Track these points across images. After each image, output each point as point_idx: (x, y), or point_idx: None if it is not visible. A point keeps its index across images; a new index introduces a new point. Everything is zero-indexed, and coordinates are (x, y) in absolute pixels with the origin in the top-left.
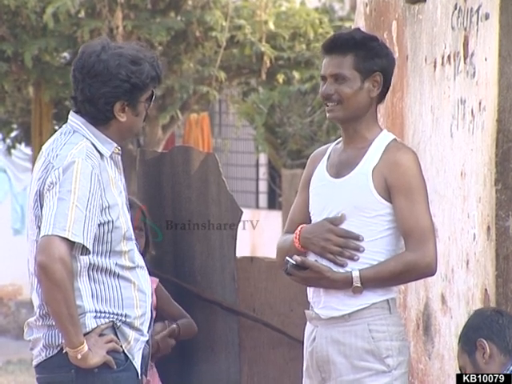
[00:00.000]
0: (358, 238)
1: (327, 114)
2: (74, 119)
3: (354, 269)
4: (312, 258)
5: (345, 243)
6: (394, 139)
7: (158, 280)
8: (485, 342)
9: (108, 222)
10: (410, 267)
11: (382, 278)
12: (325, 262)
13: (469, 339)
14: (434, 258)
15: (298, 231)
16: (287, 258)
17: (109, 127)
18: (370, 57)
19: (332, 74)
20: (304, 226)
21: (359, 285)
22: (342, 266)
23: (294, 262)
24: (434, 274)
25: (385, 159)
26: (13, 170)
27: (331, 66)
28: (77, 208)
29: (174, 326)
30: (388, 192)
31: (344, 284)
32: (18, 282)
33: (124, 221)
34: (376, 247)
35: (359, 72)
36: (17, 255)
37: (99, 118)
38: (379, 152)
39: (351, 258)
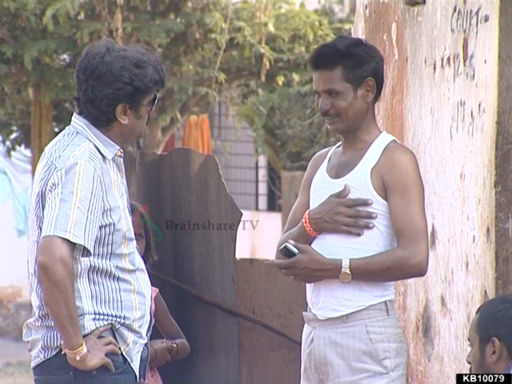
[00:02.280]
0: (366, 202)
1: (328, 126)
2: (77, 121)
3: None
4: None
5: (357, 212)
6: (394, 140)
7: (157, 290)
8: (498, 342)
9: (109, 224)
10: (400, 263)
11: (370, 270)
12: (341, 238)
13: (486, 328)
14: (424, 257)
15: (306, 216)
16: (282, 246)
17: (111, 129)
18: (357, 65)
19: (324, 89)
20: (310, 210)
21: (348, 271)
22: (358, 235)
23: (292, 248)
24: (423, 275)
25: (383, 159)
26: (13, 171)
27: (322, 81)
28: (78, 209)
29: (174, 345)
30: (385, 191)
31: (333, 269)
32: (18, 283)
33: (125, 223)
34: (377, 246)
35: (350, 83)
36: (17, 257)
37: (101, 119)
38: (378, 152)
39: (367, 227)
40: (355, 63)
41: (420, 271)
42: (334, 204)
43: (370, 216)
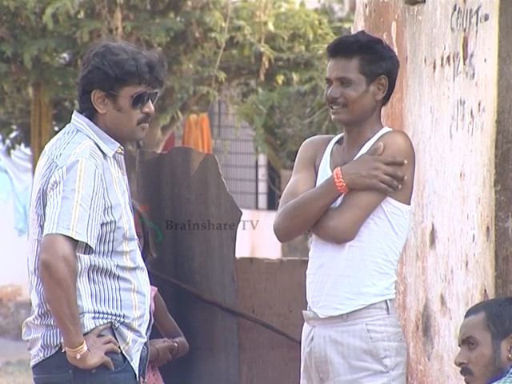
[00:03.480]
0: (402, 163)
1: (332, 116)
2: (77, 119)
3: None
4: None
5: (393, 172)
6: (391, 130)
7: (156, 289)
8: None
9: (110, 221)
10: (325, 216)
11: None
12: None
13: (502, 325)
14: (340, 222)
15: (338, 172)
16: None
17: (97, 122)
18: (375, 60)
19: (337, 77)
20: (341, 167)
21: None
22: (390, 193)
23: None
24: (338, 241)
25: (376, 142)
26: (14, 170)
27: (336, 69)
28: (81, 207)
29: (175, 344)
30: None
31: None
32: (18, 282)
33: (126, 221)
34: (378, 243)
35: (365, 75)
36: (17, 256)
37: (83, 108)
38: (374, 141)
39: (396, 188)
40: (373, 58)
41: (335, 235)
42: (371, 160)
43: (402, 178)
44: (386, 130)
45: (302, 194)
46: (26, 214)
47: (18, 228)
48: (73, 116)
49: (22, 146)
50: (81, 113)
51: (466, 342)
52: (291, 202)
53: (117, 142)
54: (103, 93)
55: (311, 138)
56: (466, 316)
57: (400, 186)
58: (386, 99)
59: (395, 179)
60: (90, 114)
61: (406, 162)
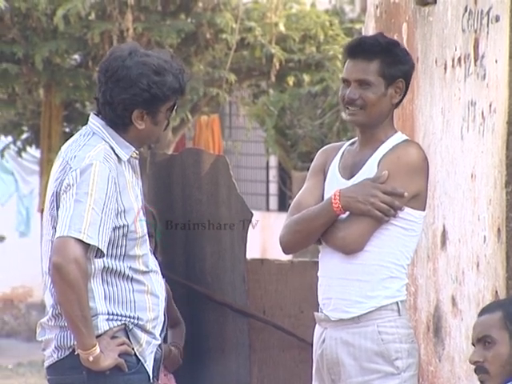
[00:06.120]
0: (402, 195)
1: (347, 117)
2: (94, 121)
3: None
4: None
5: (391, 202)
6: (407, 139)
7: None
8: None
9: (123, 226)
10: (333, 228)
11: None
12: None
13: None
14: (348, 234)
15: (336, 193)
16: None
17: (127, 132)
18: (395, 63)
19: (357, 79)
20: (341, 189)
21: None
22: (386, 222)
23: None
24: (347, 252)
25: (389, 153)
26: (20, 172)
27: (356, 70)
28: (93, 210)
29: (177, 350)
30: None
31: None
32: (29, 284)
33: (139, 225)
34: (389, 247)
35: (384, 78)
36: (26, 258)
37: (117, 122)
38: (387, 149)
39: (393, 217)
40: (393, 61)
41: (343, 246)
42: (370, 187)
43: (400, 208)
44: (399, 136)
45: (307, 207)
46: (28, 217)
47: (19, 230)
48: (89, 118)
49: (32, 148)
50: (97, 115)
51: (482, 340)
52: (294, 217)
53: (132, 146)
54: (145, 111)
55: (329, 145)
56: (480, 315)
57: (397, 216)
58: (399, 102)
59: (393, 209)
60: (123, 126)
61: (406, 194)
